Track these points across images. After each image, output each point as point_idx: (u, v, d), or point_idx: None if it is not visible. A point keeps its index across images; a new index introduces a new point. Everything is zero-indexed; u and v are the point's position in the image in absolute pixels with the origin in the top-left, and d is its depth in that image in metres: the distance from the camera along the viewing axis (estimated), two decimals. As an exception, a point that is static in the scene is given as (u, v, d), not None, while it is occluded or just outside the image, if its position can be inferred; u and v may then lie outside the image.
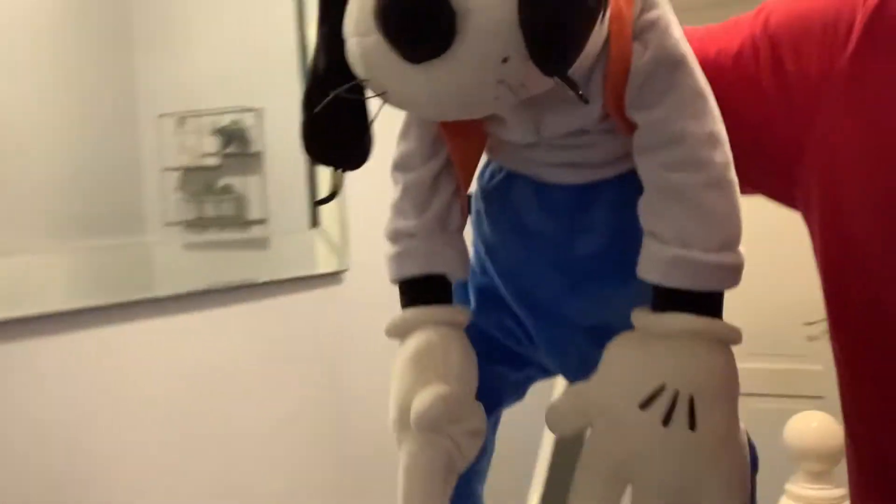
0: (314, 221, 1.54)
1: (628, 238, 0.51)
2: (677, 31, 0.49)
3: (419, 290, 0.56)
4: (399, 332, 0.56)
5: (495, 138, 0.54)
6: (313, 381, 1.55)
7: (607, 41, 0.46)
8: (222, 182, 1.41)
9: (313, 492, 1.53)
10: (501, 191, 0.58)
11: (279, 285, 1.45)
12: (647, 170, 0.50)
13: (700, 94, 0.49)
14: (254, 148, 1.44)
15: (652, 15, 0.48)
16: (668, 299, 0.48)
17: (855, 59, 0.53)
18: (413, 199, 0.56)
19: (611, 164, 0.54)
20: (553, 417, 0.49)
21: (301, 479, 1.49)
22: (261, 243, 1.48)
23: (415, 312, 0.56)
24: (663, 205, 0.49)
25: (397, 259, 0.57)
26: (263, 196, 1.45)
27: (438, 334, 0.54)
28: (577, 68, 0.42)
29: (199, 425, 1.26)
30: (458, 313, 0.56)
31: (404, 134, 0.56)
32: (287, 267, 1.49)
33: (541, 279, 0.57)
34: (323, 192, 1.40)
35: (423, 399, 0.50)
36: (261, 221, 1.45)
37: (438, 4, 0.37)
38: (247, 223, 1.43)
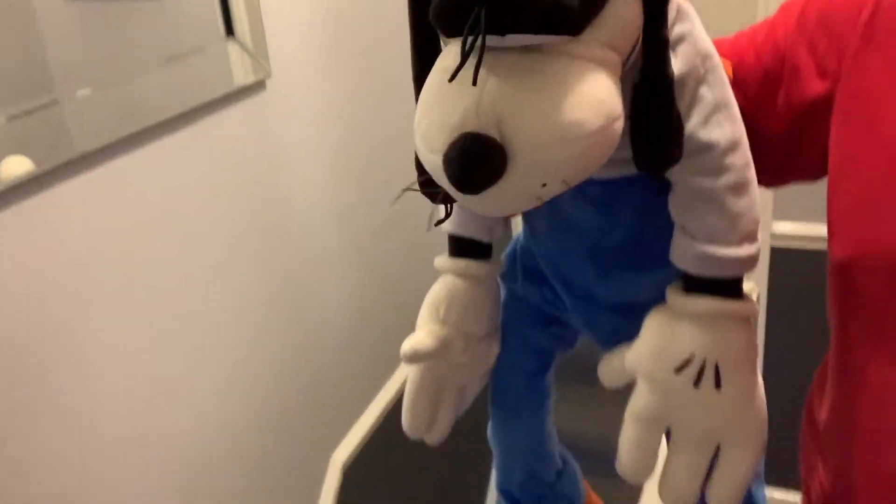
0: (229, 29, 1.35)
1: (649, 231, 0.62)
2: (706, 44, 0.55)
3: (455, 243, 0.71)
4: (436, 273, 0.72)
5: None
6: (251, 209, 1.45)
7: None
8: None
9: (260, 309, 1.50)
10: None
11: (199, 111, 1.29)
12: (674, 174, 0.56)
13: (725, 105, 0.55)
14: None
15: (685, 27, 0.53)
16: (697, 283, 0.58)
17: (856, 56, 0.58)
18: None
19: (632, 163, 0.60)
20: (605, 373, 0.63)
21: (249, 299, 1.47)
22: (178, 59, 1.27)
23: (442, 261, 0.72)
24: (691, 205, 0.57)
25: (441, 214, 0.65)
26: None
27: (452, 284, 0.71)
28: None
29: (143, 276, 1.20)
30: (479, 268, 0.71)
31: None
32: (204, 86, 1.31)
33: (575, 265, 0.67)
34: None
35: (406, 342, 0.68)
36: None
37: (494, 156, 0.44)
38: None
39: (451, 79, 0.45)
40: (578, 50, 0.46)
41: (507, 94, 0.45)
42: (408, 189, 0.55)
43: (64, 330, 1.07)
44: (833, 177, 0.61)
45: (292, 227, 1.57)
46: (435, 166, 0.47)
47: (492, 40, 0.44)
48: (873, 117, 0.57)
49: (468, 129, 0.45)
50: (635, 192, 0.61)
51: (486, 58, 0.44)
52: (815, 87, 0.63)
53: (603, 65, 0.47)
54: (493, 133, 0.44)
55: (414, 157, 0.54)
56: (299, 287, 1.60)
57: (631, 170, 0.58)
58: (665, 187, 0.59)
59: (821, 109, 0.62)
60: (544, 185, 0.46)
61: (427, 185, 0.53)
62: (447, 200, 0.55)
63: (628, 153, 0.58)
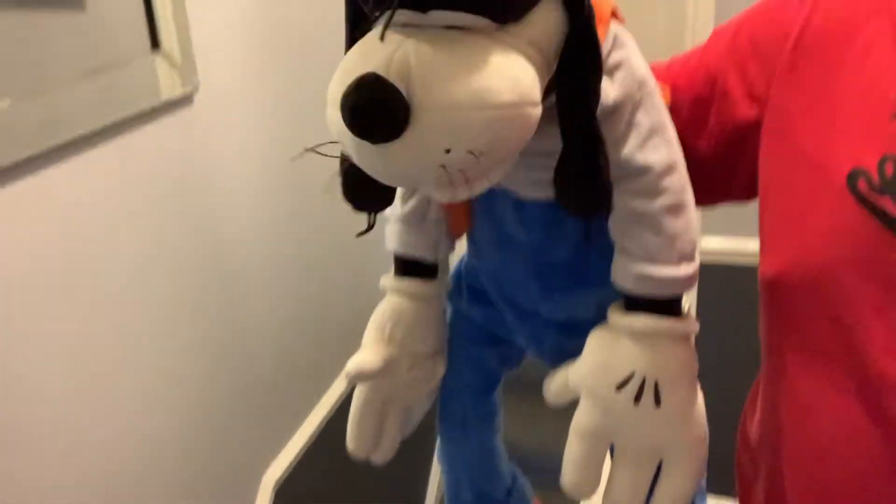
0: (155, 42, 1.32)
1: (592, 250, 0.62)
2: (643, 70, 0.56)
3: (401, 263, 0.72)
4: (382, 294, 0.72)
5: None
6: (178, 223, 1.41)
7: None
8: None
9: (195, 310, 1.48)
10: (485, 204, 0.67)
11: (123, 125, 1.25)
12: (613, 197, 0.55)
13: (661, 129, 0.57)
14: None
15: (621, 55, 0.55)
16: (637, 302, 0.59)
17: (782, 80, 0.60)
18: (402, 190, 0.69)
19: None
20: (550, 389, 0.63)
21: (175, 314, 1.43)
22: (101, 71, 1.22)
23: (388, 280, 0.72)
24: (629, 226, 0.58)
25: (387, 235, 0.71)
26: None
27: (398, 304, 0.70)
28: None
29: (62, 291, 1.16)
30: (424, 287, 0.71)
31: None
32: (129, 99, 1.27)
33: (519, 284, 0.68)
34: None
35: (351, 361, 0.68)
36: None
37: (395, 102, 0.43)
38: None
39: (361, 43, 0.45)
40: (502, 37, 0.46)
41: (420, 53, 0.44)
42: (310, 150, 0.53)
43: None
44: (762, 197, 0.63)
45: (221, 241, 1.53)
46: (336, 120, 0.46)
47: (415, 18, 0.45)
48: (797, 139, 0.59)
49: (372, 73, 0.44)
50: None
51: (410, 31, 0.45)
52: (744, 110, 0.65)
53: (525, 56, 0.47)
54: (399, 85, 0.43)
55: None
56: (228, 303, 1.57)
57: None
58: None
59: (750, 132, 0.64)
60: (448, 151, 0.45)
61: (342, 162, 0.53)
62: (351, 173, 0.53)
63: None
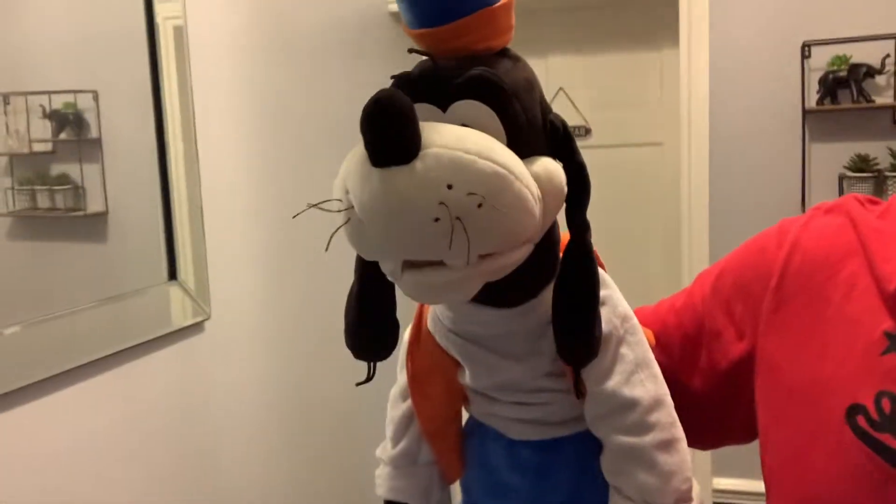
0: (172, 273, 1.37)
1: (586, 492, 0.60)
2: (624, 307, 0.58)
3: None
4: None
5: (467, 390, 0.63)
6: (179, 453, 1.38)
7: None
8: (57, 170, 1.18)
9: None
10: (478, 449, 0.65)
11: (132, 351, 1.27)
12: (602, 433, 0.57)
13: (646, 364, 0.58)
14: (92, 134, 1.21)
15: (605, 293, 0.57)
16: None
17: (769, 321, 0.62)
18: (392, 431, 0.67)
19: (569, 423, 0.60)
20: None
21: None
22: (117, 300, 1.25)
23: None
24: (622, 464, 0.57)
25: (377, 479, 0.68)
26: (103, 186, 1.23)
27: None
28: (536, 323, 0.55)
29: None
30: None
31: (402, 367, 0.66)
32: (140, 327, 1.29)
33: None
34: (178, 191, 1.35)
35: None
36: (102, 214, 1.23)
37: (410, 132, 0.45)
38: (87, 216, 1.21)
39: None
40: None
41: (432, 122, 0.48)
42: (314, 206, 0.52)
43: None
44: (762, 436, 0.62)
45: (214, 472, 1.49)
46: (345, 168, 0.48)
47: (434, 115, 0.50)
48: (790, 378, 0.59)
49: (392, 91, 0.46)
50: (570, 454, 0.60)
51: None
52: (735, 349, 0.66)
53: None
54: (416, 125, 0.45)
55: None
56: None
57: (564, 431, 0.59)
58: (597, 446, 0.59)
59: (743, 369, 0.64)
60: (450, 187, 0.45)
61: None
62: (354, 322, 0.55)
63: (561, 413, 0.59)
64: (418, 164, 0.45)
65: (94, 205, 1.21)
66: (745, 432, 0.67)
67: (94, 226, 1.23)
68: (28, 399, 1.06)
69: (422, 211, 0.45)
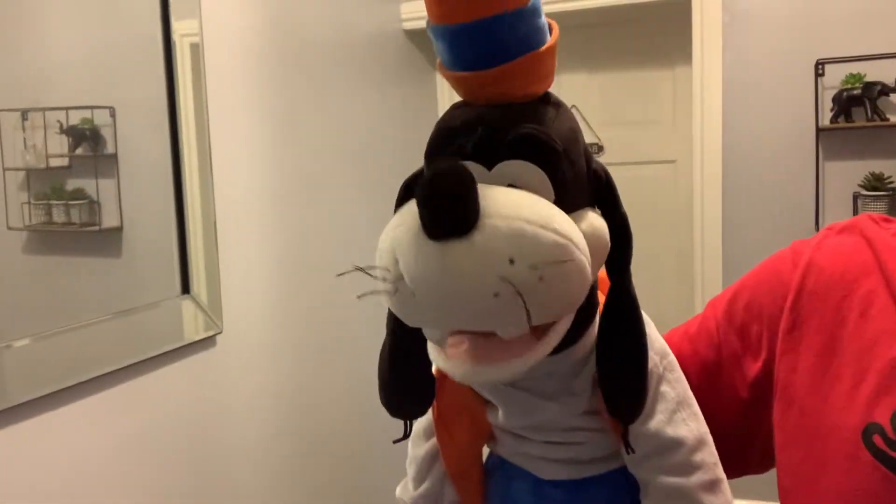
0: (185, 287, 1.38)
1: None
2: (662, 343, 0.57)
3: None
4: None
5: (495, 429, 0.60)
6: (188, 466, 1.39)
7: None
8: (73, 185, 1.19)
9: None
10: (501, 486, 0.62)
11: (142, 365, 1.28)
12: (643, 474, 0.56)
13: (687, 402, 0.57)
14: (108, 149, 1.22)
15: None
16: None
17: (785, 340, 0.61)
18: (415, 471, 0.64)
19: (601, 462, 0.58)
20: None
21: None
22: (130, 313, 1.27)
23: None
24: None
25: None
26: (118, 201, 1.25)
27: None
28: (572, 363, 0.54)
29: None
30: None
31: None
32: (151, 341, 1.30)
33: None
34: (192, 206, 1.36)
35: None
36: (117, 229, 1.25)
37: (470, 193, 0.43)
38: (101, 231, 1.23)
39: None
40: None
41: (487, 187, 0.46)
42: (360, 269, 0.49)
43: None
44: (778, 457, 0.61)
45: (231, 483, 1.49)
46: (396, 236, 0.46)
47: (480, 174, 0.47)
48: (807, 398, 0.58)
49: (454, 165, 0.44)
50: (600, 493, 0.58)
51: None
52: (752, 371, 0.65)
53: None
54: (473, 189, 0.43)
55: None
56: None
57: (594, 470, 0.57)
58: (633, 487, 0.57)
59: (761, 393, 0.64)
60: (512, 261, 0.43)
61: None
62: (389, 381, 0.54)
63: (592, 451, 0.58)
64: (477, 236, 0.43)
65: (109, 219, 1.22)
66: (762, 460, 0.67)
67: (108, 240, 1.24)
68: (37, 412, 1.07)
69: (482, 287, 0.43)
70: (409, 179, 0.53)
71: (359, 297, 0.48)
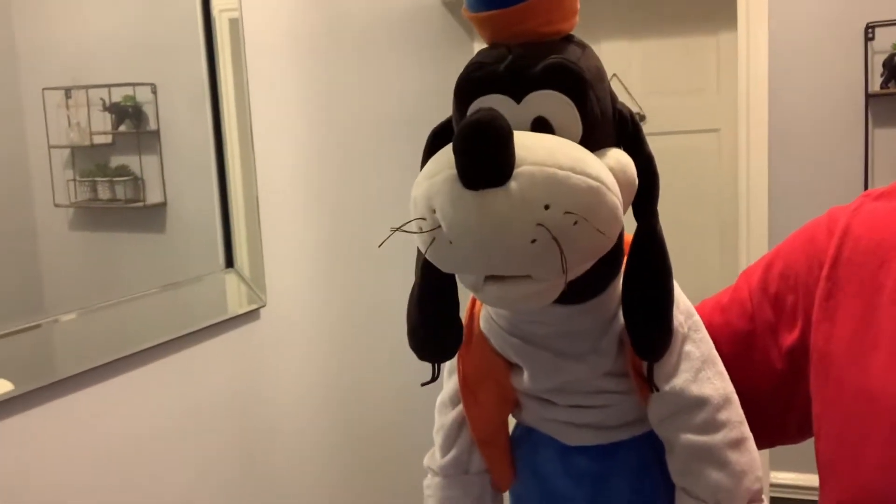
0: (229, 261, 1.39)
1: (645, 499, 0.59)
2: (687, 303, 0.58)
3: None
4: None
5: (521, 395, 0.61)
6: (233, 439, 1.41)
7: None
8: (116, 162, 1.21)
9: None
10: (529, 456, 0.63)
11: (188, 339, 1.30)
12: (669, 433, 0.56)
13: (712, 361, 0.57)
14: (150, 126, 1.24)
15: None
16: None
17: (822, 308, 0.60)
18: (442, 439, 0.65)
19: (627, 427, 0.59)
20: None
21: None
22: (174, 287, 1.29)
23: None
24: (692, 464, 0.55)
25: (426, 490, 0.66)
26: (162, 177, 1.27)
27: None
28: (598, 321, 0.55)
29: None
30: None
31: (451, 372, 0.64)
32: (196, 314, 1.32)
33: None
34: (234, 181, 1.38)
35: None
36: (161, 205, 1.27)
37: (505, 151, 0.44)
38: (146, 207, 1.25)
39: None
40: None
41: (521, 132, 0.46)
42: (397, 230, 0.51)
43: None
44: (816, 428, 0.61)
45: (275, 459, 1.51)
46: (432, 183, 0.47)
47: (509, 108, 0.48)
48: (844, 368, 0.57)
49: (488, 109, 0.45)
50: (628, 459, 0.59)
51: None
52: (788, 341, 0.64)
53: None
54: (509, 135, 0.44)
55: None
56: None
57: (621, 435, 0.57)
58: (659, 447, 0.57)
59: (798, 363, 0.63)
60: (547, 207, 0.44)
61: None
62: (419, 326, 0.55)
63: (619, 416, 0.58)
64: (513, 184, 0.44)
65: (152, 195, 1.24)
66: (799, 431, 0.66)
67: (152, 216, 1.26)
68: (84, 385, 1.10)
69: (519, 233, 0.45)
70: (438, 128, 0.55)
71: (392, 230, 0.50)
